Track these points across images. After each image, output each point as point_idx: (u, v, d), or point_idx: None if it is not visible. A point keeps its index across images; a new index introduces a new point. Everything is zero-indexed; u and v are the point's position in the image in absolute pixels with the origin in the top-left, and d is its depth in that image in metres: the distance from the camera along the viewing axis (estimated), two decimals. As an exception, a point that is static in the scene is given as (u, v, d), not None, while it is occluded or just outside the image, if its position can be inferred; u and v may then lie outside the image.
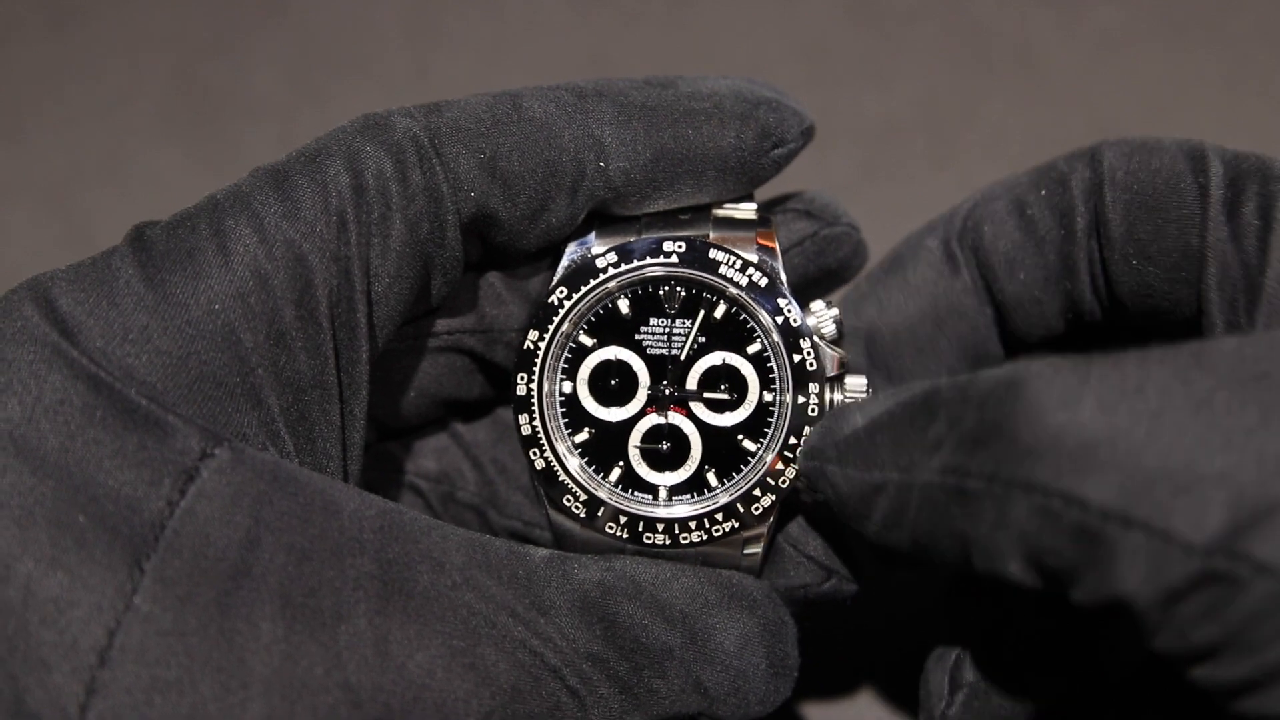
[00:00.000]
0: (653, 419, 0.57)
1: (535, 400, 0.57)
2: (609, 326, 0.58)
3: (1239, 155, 0.55)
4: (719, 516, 0.56)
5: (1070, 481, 0.42)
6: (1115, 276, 0.57)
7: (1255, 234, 0.53)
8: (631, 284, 0.57)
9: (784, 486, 0.56)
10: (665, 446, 0.57)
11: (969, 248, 0.60)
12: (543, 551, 0.53)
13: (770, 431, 0.57)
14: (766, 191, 0.63)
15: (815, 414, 0.56)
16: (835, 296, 0.62)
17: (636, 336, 0.58)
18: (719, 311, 0.57)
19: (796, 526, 0.58)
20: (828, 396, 0.56)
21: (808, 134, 0.59)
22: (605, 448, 0.58)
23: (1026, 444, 0.44)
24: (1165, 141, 0.56)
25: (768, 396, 0.57)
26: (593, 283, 0.57)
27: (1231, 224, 0.53)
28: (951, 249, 0.61)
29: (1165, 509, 0.40)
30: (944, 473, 0.47)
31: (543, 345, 0.57)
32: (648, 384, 0.57)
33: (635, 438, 0.58)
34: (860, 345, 0.62)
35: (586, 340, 0.58)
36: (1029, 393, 0.44)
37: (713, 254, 0.57)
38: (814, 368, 0.56)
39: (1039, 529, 0.44)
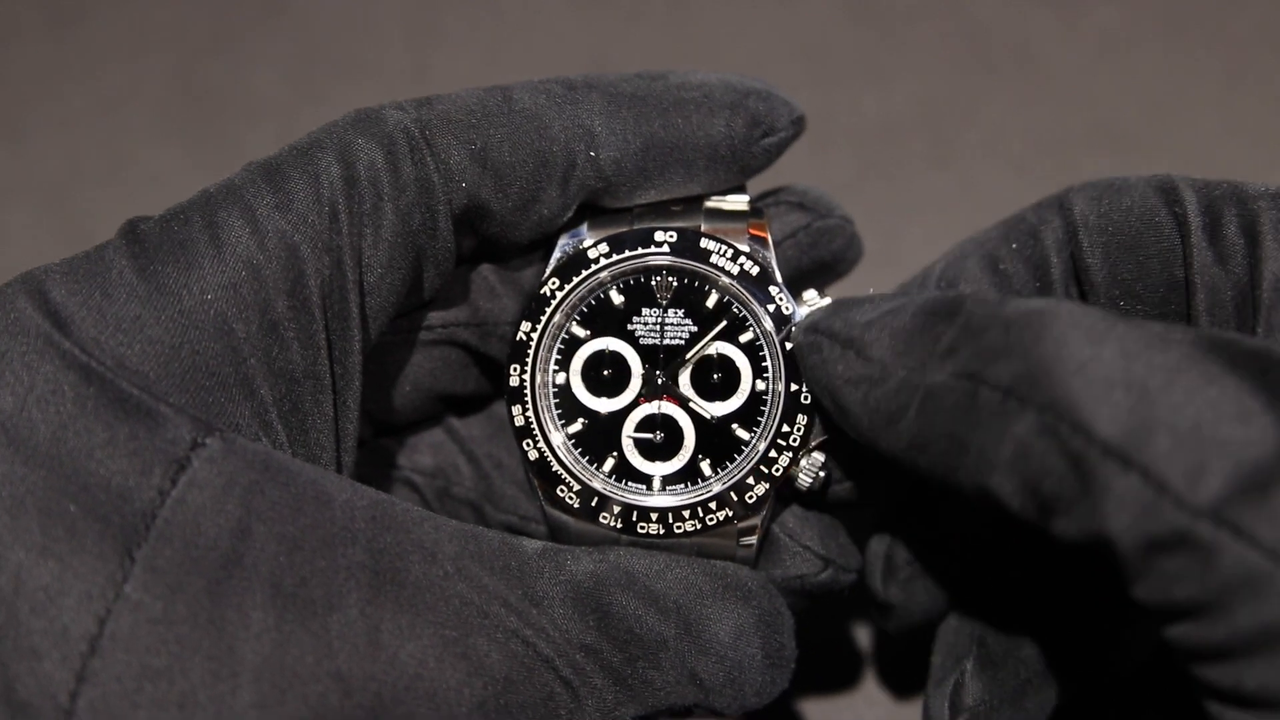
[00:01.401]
0: (646, 409, 0.57)
1: (528, 391, 0.57)
2: (601, 317, 0.58)
3: (1209, 183, 0.55)
4: (713, 506, 0.56)
5: (1082, 409, 0.43)
6: None
7: (1241, 253, 0.53)
8: (623, 274, 0.57)
9: (777, 475, 0.56)
10: (658, 436, 0.57)
11: None
12: (536, 543, 0.53)
13: (763, 420, 0.57)
14: (760, 187, 0.63)
15: (808, 402, 0.56)
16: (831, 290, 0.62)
17: (629, 327, 0.58)
18: (711, 300, 0.57)
19: (792, 516, 0.58)
20: None
21: (798, 124, 0.59)
22: (599, 438, 0.58)
23: (1047, 366, 0.44)
24: (1132, 180, 0.57)
25: (760, 385, 0.57)
26: (584, 273, 0.57)
27: (1215, 248, 0.53)
28: None
29: (1165, 459, 0.41)
30: (958, 377, 0.48)
31: (535, 336, 0.57)
32: (641, 374, 0.57)
33: (629, 428, 0.58)
34: None
35: (579, 331, 0.58)
36: (1058, 323, 0.45)
37: (704, 243, 0.57)
38: None
39: (1043, 449, 0.44)
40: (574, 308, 0.58)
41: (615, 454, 0.58)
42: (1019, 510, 0.46)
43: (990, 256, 0.58)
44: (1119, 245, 0.55)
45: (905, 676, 0.71)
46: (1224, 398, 0.42)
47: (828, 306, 0.56)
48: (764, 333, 0.57)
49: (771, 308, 0.56)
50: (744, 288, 0.57)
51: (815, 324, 0.55)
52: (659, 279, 0.58)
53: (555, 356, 0.58)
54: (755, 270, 0.57)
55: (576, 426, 0.58)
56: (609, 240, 0.57)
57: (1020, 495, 0.46)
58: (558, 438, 0.57)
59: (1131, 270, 0.55)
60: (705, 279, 0.57)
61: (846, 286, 0.65)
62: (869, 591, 0.61)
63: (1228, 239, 0.53)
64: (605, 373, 0.58)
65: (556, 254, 0.59)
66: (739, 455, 0.57)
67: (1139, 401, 0.42)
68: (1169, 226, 0.54)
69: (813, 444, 0.56)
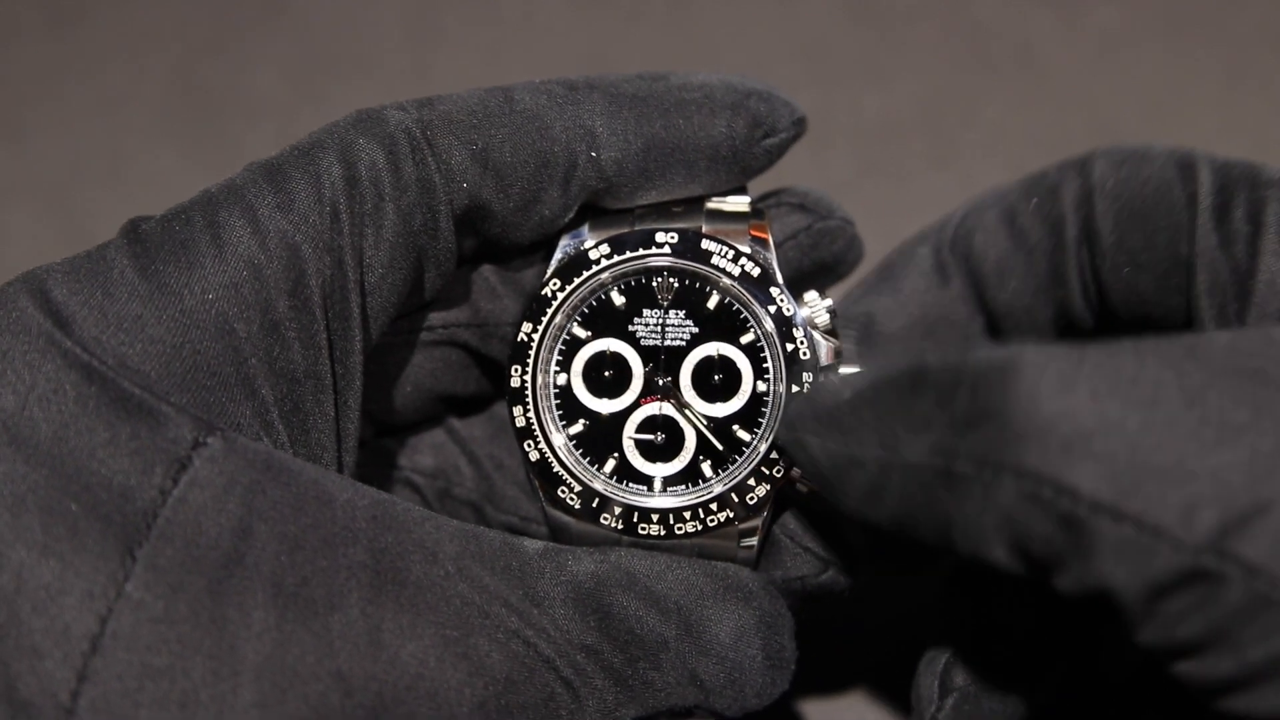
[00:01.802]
0: (647, 410, 0.58)
1: (529, 392, 0.57)
2: (603, 318, 0.58)
3: (1228, 163, 0.55)
4: (713, 507, 0.56)
5: (1061, 470, 0.42)
6: (1107, 285, 0.57)
7: (1244, 239, 0.53)
8: (624, 275, 0.57)
9: (778, 476, 0.56)
10: (659, 437, 0.57)
11: (960, 257, 0.60)
12: (536, 543, 0.53)
13: (764, 422, 0.57)
14: (762, 188, 0.63)
15: None
16: (832, 292, 0.62)
17: (630, 328, 0.58)
18: (712, 302, 0.57)
19: (793, 518, 0.58)
20: None
21: (799, 125, 0.59)
22: (600, 439, 0.58)
23: (1018, 429, 0.43)
24: (1156, 149, 0.56)
25: (761, 386, 0.57)
26: (585, 274, 0.57)
27: (1220, 231, 0.53)
28: (942, 258, 0.61)
29: (1156, 504, 0.40)
30: (931, 453, 0.46)
31: (536, 337, 0.57)
32: (641, 375, 0.57)
33: (629, 429, 0.58)
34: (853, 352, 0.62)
35: (580, 332, 0.58)
36: (1023, 377, 0.43)
37: (705, 244, 0.57)
38: (807, 357, 0.56)
39: (1027, 515, 0.43)
40: (575, 308, 0.58)
41: (616, 455, 0.58)
42: (1017, 573, 0.46)
43: (1009, 210, 0.59)
44: (1130, 214, 0.55)
45: (906, 678, 0.71)
46: (1206, 420, 0.41)
47: (801, 398, 0.55)
48: (765, 334, 0.57)
49: (772, 309, 0.56)
50: (745, 289, 0.56)
51: (790, 421, 0.54)
52: (660, 280, 0.57)
53: (556, 357, 0.58)
54: (756, 271, 0.57)
55: (577, 427, 0.58)
56: (610, 241, 0.57)
57: (1015, 560, 0.45)
58: (559, 439, 0.57)
59: (1139, 240, 0.55)
60: (706, 280, 0.57)
61: (848, 287, 0.65)
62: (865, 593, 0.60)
63: (1234, 223, 0.53)
64: (606, 374, 0.58)
65: (558, 255, 0.59)
66: (740, 456, 0.57)
67: (1120, 447, 0.41)
68: (1180, 203, 0.54)
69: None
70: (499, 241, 0.58)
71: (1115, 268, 0.56)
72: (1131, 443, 0.41)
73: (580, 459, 0.57)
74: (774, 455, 0.56)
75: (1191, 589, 0.40)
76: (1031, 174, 0.60)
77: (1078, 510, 0.41)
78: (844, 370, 0.56)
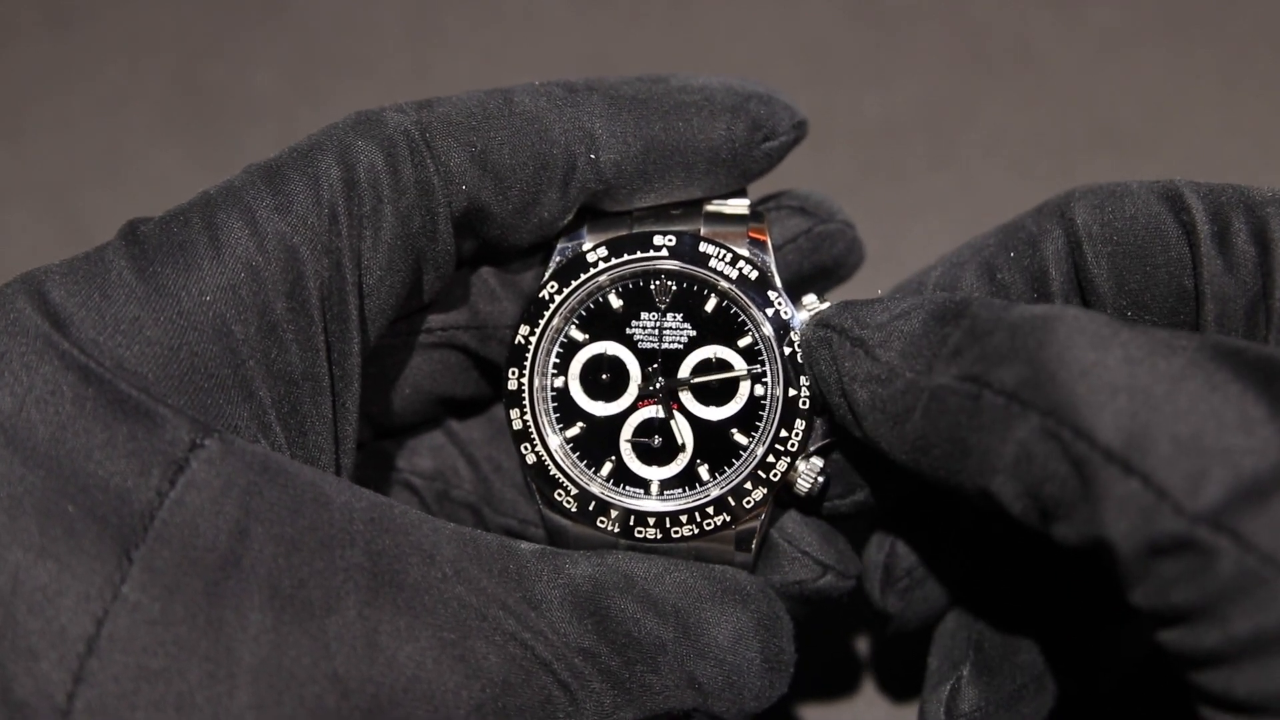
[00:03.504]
0: (644, 413, 0.57)
1: (527, 395, 0.57)
2: (600, 321, 0.58)
3: (1214, 188, 0.55)
4: (710, 510, 0.56)
5: (1084, 415, 0.43)
6: None
7: (1252, 261, 0.53)
8: (622, 278, 0.57)
9: (776, 480, 0.56)
10: (656, 441, 0.57)
11: None
12: (534, 546, 0.53)
13: (761, 425, 0.57)
14: (762, 190, 0.63)
15: (806, 407, 0.56)
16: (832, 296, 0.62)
17: (628, 331, 0.58)
18: (710, 305, 0.57)
19: (791, 521, 0.58)
20: (818, 389, 0.56)
21: (799, 128, 0.59)
22: (597, 442, 0.58)
23: (1051, 371, 0.45)
24: (1133, 186, 0.56)
25: (759, 390, 0.57)
26: (583, 277, 0.57)
27: (1224, 257, 0.53)
28: None
29: (1166, 466, 0.41)
30: (963, 379, 0.48)
31: (534, 340, 0.57)
32: (639, 378, 0.57)
33: (626, 432, 0.58)
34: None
35: (578, 335, 0.58)
36: (1063, 328, 0.46)
37: (703, 247, 0.57)
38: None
39: (1044, 453, 0.44)
40: (573, 311, 0.58)
41: (613, 458, 0.58)
42: (1020, 514, 0.47)
43: (988, 265, 0.58)
44: (1125, 255, 0.55)
45: (905, 681, 0.71)
46: (1227, 405, 0.42)
47: (838, 305, 0.56)
48: (762, 337, 0.57)
49: (770, 312, 0.56)
50: (743, 292, 0.56)
51: (826, 320, 0.55)
52: (658, 283, 0.57)
53: (554, 360, 0.58)
54: (754, 274, 0.57)
55: (574, 430, 0.58)
56: (608, 244, 0.57)
57: (1021, 499, 0.46)
58: (555, 441, 0.57)
59: (1139, 280, 0.55)
60: (704, 283, 0.57)
61: (847, 291, 0.65)
62: (867, 599, 0.61)
63: (1237, 247, 0.53)
64: (603, 377, 0.58)
65: (556, 257, 0.59)
66: (737, 460, 0.57)
67: (1141, 408, 0.42)
68: (1176, 235, 0.54)
69: (811, 449, 0.56)
70: (498, 244, 0.58)
71: (1118, 312, 0.55)
72: (1154, 407, 0.42)
73: (577, 462, 0.57)
74: (771, 458, 0.56)
75: (1186, 555, 0.41)
76: (1007, 223, 0.59)
77: (1092, 456, 0.43)
78: (883, 295, 0.56)
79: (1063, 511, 0.44)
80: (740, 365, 0.57)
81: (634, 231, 0.58)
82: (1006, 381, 0.46)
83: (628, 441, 0.58)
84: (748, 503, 0.56)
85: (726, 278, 0.57)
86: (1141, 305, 0.55)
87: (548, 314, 0.57)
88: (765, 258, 0.58)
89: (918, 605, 0.60)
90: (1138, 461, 0.42)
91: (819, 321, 0.55)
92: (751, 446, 0.57)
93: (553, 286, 0.57)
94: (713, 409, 0.57)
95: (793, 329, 0.56)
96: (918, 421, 0.50)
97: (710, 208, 0.59)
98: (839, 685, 0.71)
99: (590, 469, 0.57)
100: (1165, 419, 0.42)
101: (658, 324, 0.57)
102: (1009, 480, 0.46)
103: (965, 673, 0.58)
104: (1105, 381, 0.43)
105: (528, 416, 0.57)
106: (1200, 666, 0.42)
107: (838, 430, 0.56)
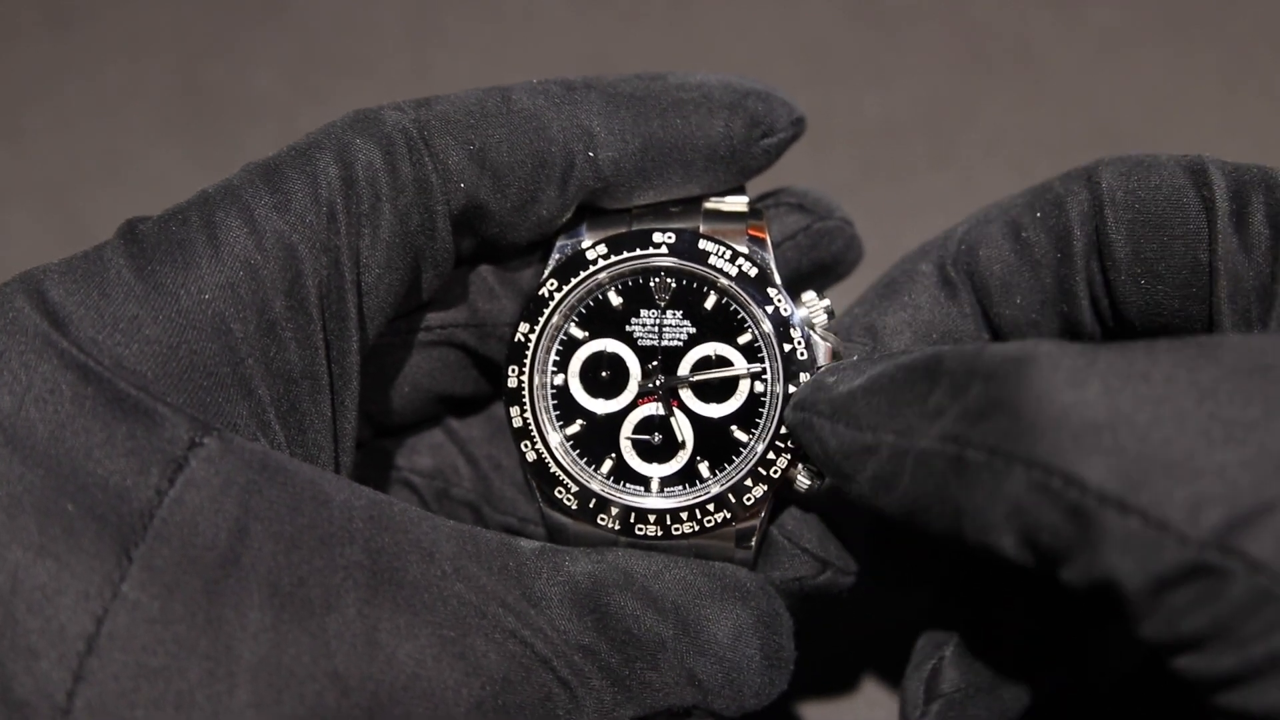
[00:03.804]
0: (644, 410, 0.57)
1: (526, 392, 0.57)
2: (600, 318, 0.58)
3: (1239, 167, 0.55)
4: (710, 507, 0.56)
5: (1071, 461, 0.42)
6: (1122, 297, 0.56)
7: (1266, 244, 0.53)
8: (621, 275, 0.57)
9: (775, 477, 0.56)
10: (656, 438, 0.57)
11: (964, 271, 0.60)
12: (533, 543, 0.53)
13: (761, 422, 0.57)
14: (761, 188, 0.63)
15: None
16: (831, 293, 0.62)
17: (627, 328, 0.58)
18: (709, 302, 0.57)
19: (791, 519, 0.58)
20: None
21: (798, 124, 0.59)
22: (597, 440, 0.58)
23: (1030, 420, 0.44)
24: (1162, 157, 0.56)
25: (759, 387, 0.57)
26: (582, 274, 0.57)
27: (1240, 235, 0.53)
28: (947, 273, 0.60)
29: (1163, 498, 0.41)
30: (944, 440, 0.47)
31: (533, 338, 0.57)
32: (639, 376, 0.57)
33: (626, 429, 0.58)
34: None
35: (577, 332, 0.58)
36: (1037, 370, 0.44)
37: (702, 244, 0.57)
38: (805, 357, 0.56)
39: (1036, 505, 0.44)
40: (572, 309, 0.58)
41: (613, 455, 0.57)
42: (1026, 564, 0.46)
43: (1013, 223, 0.58)
44: (1144, 223, 0.55)
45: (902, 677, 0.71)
46: (1215, 418, 0.41)
47: (810, 384, 0.55)
48: (762, 334, 0.57)
49: (770, 309, 0.56)
50: (742, 289, 0.56)
51: (801, 403, 0.54)
52: (657, 280, 0.57)
53: (553, 358, 0.58)
54: (754, 272, 0.57)
55: (574, 428, 0.58)
56: (607, 241, 0.57)
57: (1022, 550, 0.45)
58: (555, 439, 0.57)
59: (1155, 249, 0.55)
60: (704, 280, 0.57)
61: (847, 287, 0.65)
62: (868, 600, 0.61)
63: (1253, 228, 0.53)
64: (603, 374, 0.58)
65: (555, 255, 0.59)
66: (737, 457, 0.57)
67: (1129, 440, 0.42)
68: (1196, 209, 0.54)
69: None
70: (496, 242, 0.58)
71: (1132, 279, 0.55)
72: (1141, 436, 0.41)
73: (577, 459, 0.57)
74: (771, 455, 0.56)
75: (1195, 584, 0.40)
76: (1035, 185, 0.60)
77: (1085, 501, 0.42)
78: (855, 359, 0.56)
79: (1064, 557, 0.44)
80: (740, 363, 0.57)
81: (633, 229, 0.58)
82: (987, 438, 0.45)
83: (628, 438, 0.58)
84: (748, 500, 0.56)
85: (726, 275, 0.57)
86: (1155, 275, 0.55)
87: (547, 311, 0.57)
88: (764, 255, 0.58)
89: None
90: (1133, 499, 0.41)
91: (795, 405, 0.55)
92: (751, 444, 0.57)
93: (552, 284, 0.57)
94: (713, 406, 0.57)
95: (792, 325, 0.56)
96: (908, 485, 0.49)
97: (709, 205, 0.59)
98: (840, 683, 0.71)
99: (590, 466, 0.57)
100: (1154, 448, 0.41)
101: (657, 321, 0.57)
102: (1005, 534, 0.45)
103: (948, 653, 0.57)
104: (1088, 421, 0.42)
105: (528, 414, 0.57)
106: (1219, 689, 0.41)
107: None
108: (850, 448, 0.51)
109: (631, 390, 0.58)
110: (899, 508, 0.50)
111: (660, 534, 0.56)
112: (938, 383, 0.48)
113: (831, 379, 0.54)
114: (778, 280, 0.57)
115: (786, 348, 0.56)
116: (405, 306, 0.58)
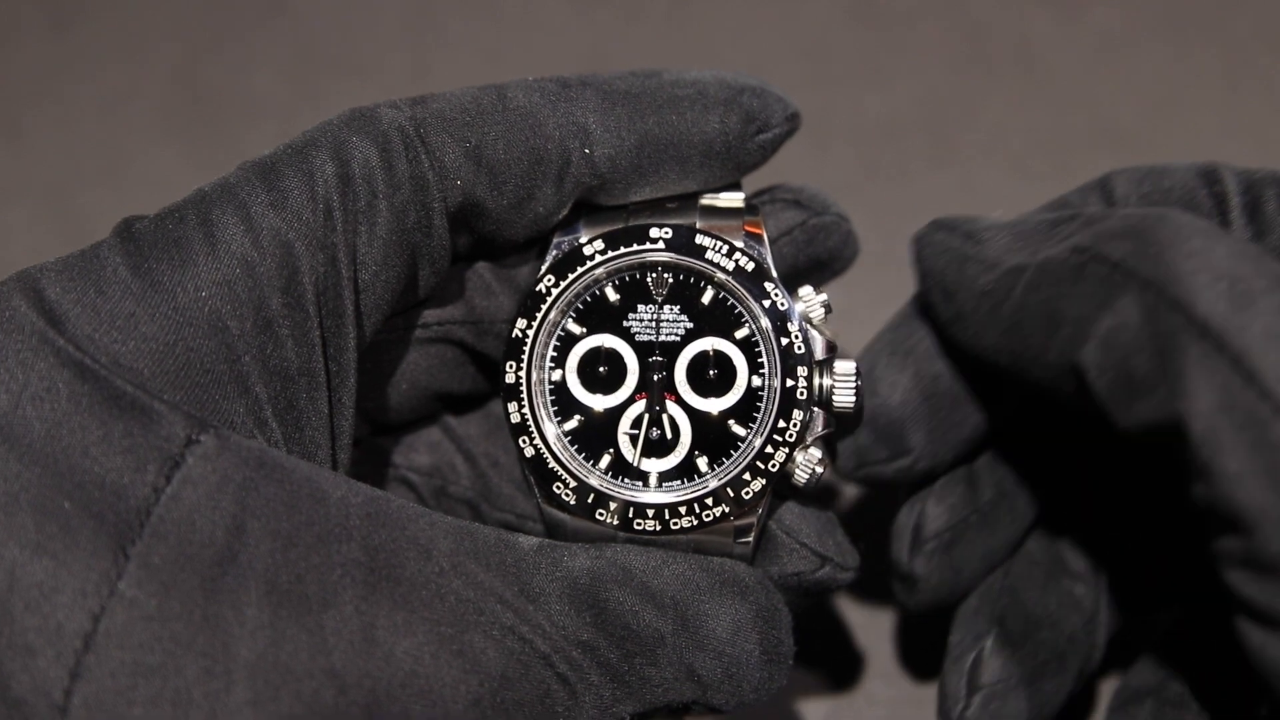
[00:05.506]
0: (642, 405, 0.57)
1: (524, 388, 0.57)
2: (597, 314, 0.58)
3: (1251, 170, 0.56)
4: (709, 502, 0.56)
5: (1186, 290, 0.44)
6: None
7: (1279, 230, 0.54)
8: (618, 271, 0.57)
9: (774, 471, 0.56)
10: (655, 433, 0.57)
11: None
12: (532, 539, 0.53)
13: (759, 416, 0.57)
14: (759, 186, 0.63)
15: (804, 398, 0.56)
16: (828, 288, 0.62)
17: (625, 323, 0.58)
18: (706, 297, 0.57)
19: (789, 513, 0.58)
20: (816, 380, 0.56)
21: (793, 120, 0.59)
22: (595, 435, 0.58)
23: (1161, 247, 0.46)
24: (1173, 165, 0.58)
25: (756, 381, 0.57)
26: (580, 270, 0.57)
27: (1254, 225, 0.54)
28: None
29: (1259, 350, 0.42)
30: (1072, 250, 0.50)
31: (531, 333, 0.57)
32: (636, 371, 0.57)
33: (625, 424, 0.57)
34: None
35: (575, 328, 0.58)
36: (1177, 218, 0.48)
37: (699, 239, 0.57)
38: (802, 351, 0.56)
39: (1140, 323, 0.45)
40: (569, 304, 0.58)
41: (611, 450, 0.57)
42: (1102, 389, 0.47)
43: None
44: None
45: (905, 675, 0.71)
46: None
47: (947, 216, 0.59)
48: (760, 329, 0.57)
49: (767, 304, 0.56)
50: (740, 284, 0.56)
51: (941, 221, 0.58)
52: (654, 275, 0.57)
53: (551, 353, 0.58)
54: (751, 266, 0.57)
55: (572, 423, 0.58)
56: (604, 237, 0.57)
57: (1108, 372, 0.47)
58: (553, 434, 0.57)
59: None
60: (701, 275, 0.57)
61: (843, 284, 0.65)
62: (893, 564, 0.61)
63: (1267, 215, 0.54)
64: (601, 369, 0.58)
65: (552, 251, 0.59)
66: (735, 451, 0.57)
67: (1242, 295, 0.43)
68: (1208, 205, 0.55)
69: (809, 439, 0.56)
70: (493, 239, 0.58)
71: None
72: (1254, 297, 0.43)
73: (575, 455, 0.57)
74: (769, 450, 0.56)
75: (1261, 450, 0.42)
76: (1050, 201, 0.60)
77: (1187, 330, 0.44)
78: (840, 363, 0.57)
79: (1146, 386, 0.45)
80: (740, 360, 0.57)
81: (630, 224, 0.58)
82: (1114, 253, 0.48)
83: (626, 434, 0.57)
84: (746, 494, 0.56)
85: (723, 269, 0.57)
86: None
87: (545, 307, 0.57)
88: (761, 250, 0.58)
89: (944, 571, 0.60)
90: (1231, 341, 0.43)
91: (934, 223, 0.59)
92: (749, 438, 0.57)
93: (549, 280, 0.57)
94: (711, 400, 0.57)
95: (789, 320, 0.56)
96: (1018, 297, 0.51)
97: (705, 201, 0.59)
98: (839, 678, 0.71)
99: (589, 462, 0.57)
100: (1263, 309, 0.43)
101: (655, 316, 0.57)
102: (1099, 350, 0.47)
103: (988, 645, 0.58)
104: (1210, 265, 0.45)
105: (526, 410, 0.57)
106: (1249, 574, 0.43)
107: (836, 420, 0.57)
108: (973, 258, 0.54)
109: (629, 385, 0.58)
110: (996, 326, 0.52)
111: (659, 529, 0.56)
112: (1073, 221, 0.52)
113: (975, 220, 0.57)
114: (775, 275, 0.57)
115: (784, 342, 0.56)
116: (402, 304, 0.58)
